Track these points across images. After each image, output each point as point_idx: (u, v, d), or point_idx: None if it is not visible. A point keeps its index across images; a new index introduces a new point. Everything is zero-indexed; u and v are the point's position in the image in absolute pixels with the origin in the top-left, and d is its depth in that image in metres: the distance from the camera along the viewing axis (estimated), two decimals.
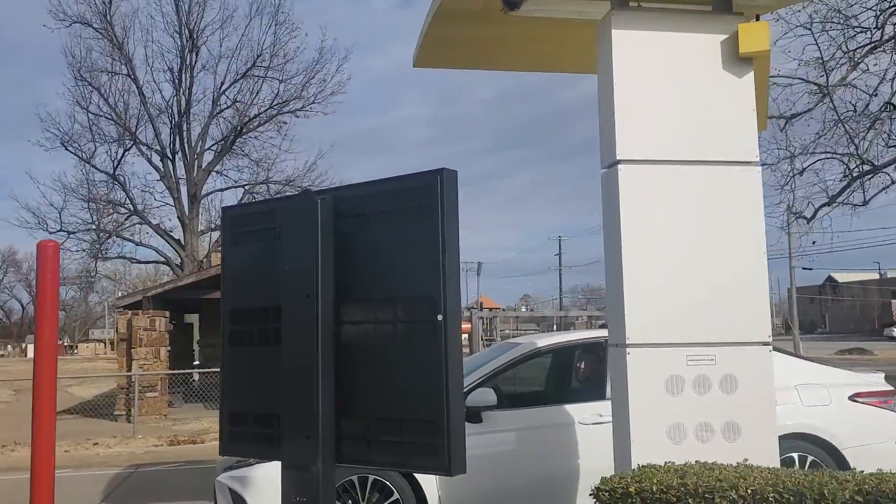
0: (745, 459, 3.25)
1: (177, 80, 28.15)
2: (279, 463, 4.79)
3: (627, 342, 3.99)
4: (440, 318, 3.25)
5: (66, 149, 27.60)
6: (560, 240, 52.27)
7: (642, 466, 3.26)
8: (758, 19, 4.56)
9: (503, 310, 41.73)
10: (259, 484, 4.99)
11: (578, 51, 5.14)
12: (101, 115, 27.49)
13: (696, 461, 3.30)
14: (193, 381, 19.33)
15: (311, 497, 3.50)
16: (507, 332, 35.89)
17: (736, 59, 4.25)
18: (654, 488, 2.88)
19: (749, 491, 2.73)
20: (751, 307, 4.14)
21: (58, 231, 27.57)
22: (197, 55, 28.16)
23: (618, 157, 4.12)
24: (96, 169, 28.06)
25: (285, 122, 28.77)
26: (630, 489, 2.93)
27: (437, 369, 3.23)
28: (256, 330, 3.89)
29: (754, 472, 2.95)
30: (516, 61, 5.70)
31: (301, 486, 3.52)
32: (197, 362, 21.78)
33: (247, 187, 29.62)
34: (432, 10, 5.01)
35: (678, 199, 4.13)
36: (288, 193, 26.60)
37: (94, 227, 28.18)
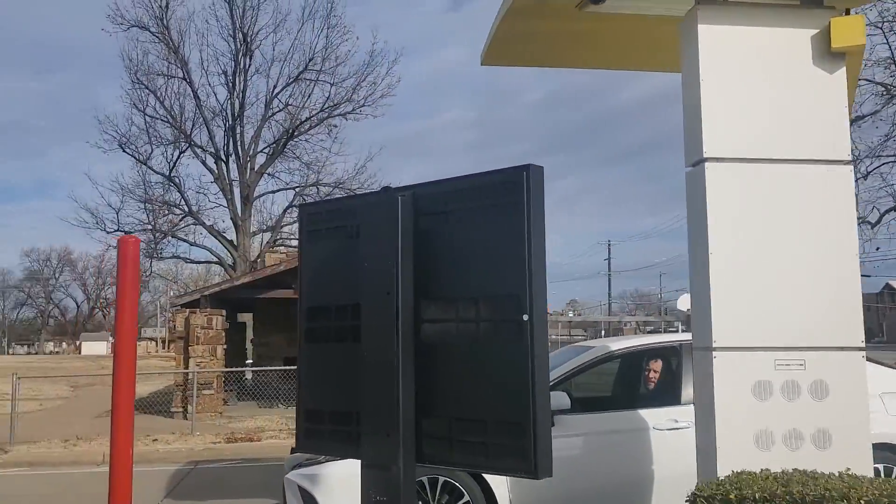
0: (848, 469, 3.11)
1: (231, 84, 28.62)
2: (350, 461, 4.78)
3: (714, 345, 3.87)
4: (525, 317, 3.18)
5: (124, 150, 28.23)
6: (609, 244, 51.62)
7: (738, 473, 3.15)
8: (848, 13, 4.40)
9: (551, 314, 41.48)
10: (329, 482, 4.98)
11: (657, 47, 5.03)
12: (157, 118, 28.07)
13: (794, 469, 3.17)
14: (246, 379, 19.56)
15: (392, 496, 3.46)
16: (554, 337, 35.63)
17: (827, 54, 4.11)
18: (757, 496, 2.76)
19: (861, 502, 2.60)
20: (842, 310, 3.98)
21: (115, 231, 28.23)
22: (250, 59, 28.59)
23: (705, 155, 4.00)
24: (152, 170, 28.65)
25: (336, 125, 29.02)
26: (730, 496, 2.82)
27: (523, 370, 3.16)
28: (334, 327, 3.87)
29: (864, 482, 2.82)
30: (589, 59, 5.61)
31: (381, 485, 3.49)
32: (250, 361, 22.05)
33: (297, 189, 29.93)
34: (505, 6, 4.95)
35: (767, 197, 4.00)
36: (337, 195, 26.80)
37: (150, 227, 28.75)
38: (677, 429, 5.13)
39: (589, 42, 5.30)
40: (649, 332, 34.68)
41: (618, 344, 5.74)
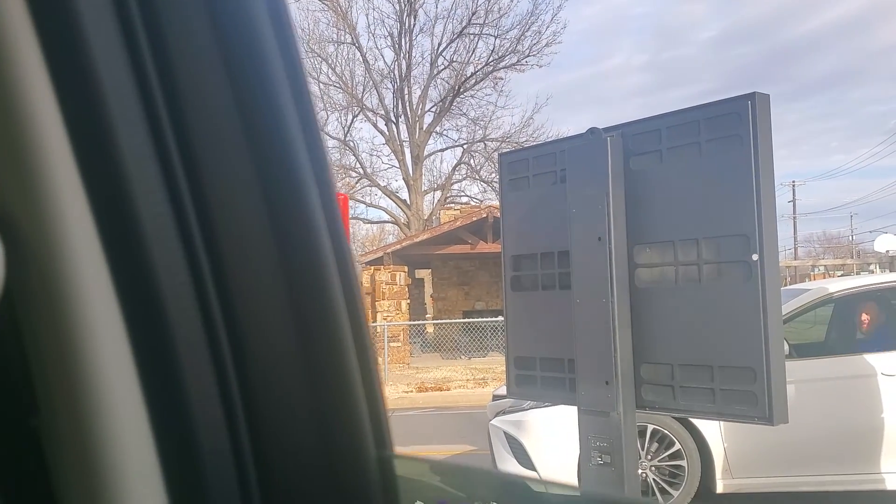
0: None
1: (397, 45, 29.13)
2: (556, 407, 4.80)
3: None
4: (755, 257, 3.01)
5: None
6: (794, 185, 48.07)
7: None
8: None
9: None
10: (535, 427, 5.03)
11: None
12: (330, 84, 29.16)
13: None
14: (428, 332, 20.23)
15: (613, 441, 3.44)
16: None
17: None
18: None
19: None
20: None
21: None
22: (415, 18, 28.90)
23: None
24: (329, 136, 29.87)
25: (501, 78, 28.86)
26: None
27: (754, 312, 3.00)
28: (540, 275, 3.85)
29: None
30: None
31: (601, 431, 3.47)
32: (429, 315, 22.76)
33: (465, 146, 30.20)
34: None
35: None
36: (505, 150, 26.71)
37: None
38: None
39: None
40: (840, 277, 32.07)
41: (836, 285, 5.33)
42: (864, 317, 5.38)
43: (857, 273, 34.10)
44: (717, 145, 3.12)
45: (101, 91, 0.40)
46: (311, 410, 0.45)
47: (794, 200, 47.27)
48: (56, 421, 0.42)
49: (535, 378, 3.88)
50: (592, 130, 3.65)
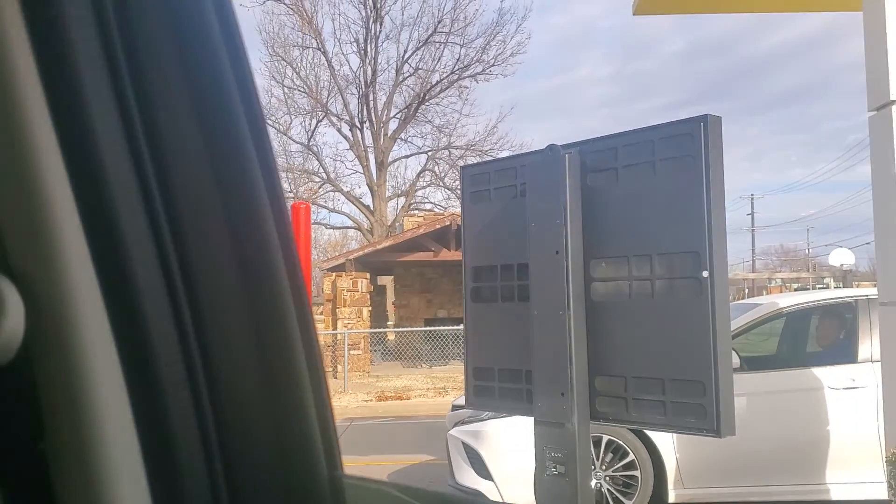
0: None
1: (362, 51, 29.16)
2: (514, 417, 4.86)
3: None
4: (705, 274, 3.11)
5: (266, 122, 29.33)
6: (752, 198, 49.03)
7: None
8: None
9: None
10: (494, 438, 5.08)
11: None
12: (294, 89, 29.05)
13: None
14: (389, 340, 20.20)
15: (567, 452, 3.50)
16: None
17: None
18: None
19: None
20: None
21: None
22: (381, 25, 28.97)
23: (892, 98, 3.71)
24: (292, 140, 29.76)
25: (466, 87, 29.03)
26: None
27: (704, 328, 3.09)
28: (500, 287, 3.91)
29: None
30: (754, 1, 5.30)
31: (555, 442, 3.53)
32: (391, 322, 22.72)
33: (429, 153, 30.28)
34: None
35: None
36: (470, 158, 26.97)
37: (292, 195, 29.94)
38: (854, 388, 4.88)
39: None
40: (797, 290, 32.75)
41: (787, 301, 5.48)
42: (818, 331, 5.54)
43: (813, 286, 34.88)
44: (670, 165, 3.20)
45: (95, 135, 0.48)
46: (270, 432, 0.51)
47: (752, 213, 48.16)
48: (60, 444, 0.51)
49: (494, 389, 3.92)
50: (551, 147, 3.72)
